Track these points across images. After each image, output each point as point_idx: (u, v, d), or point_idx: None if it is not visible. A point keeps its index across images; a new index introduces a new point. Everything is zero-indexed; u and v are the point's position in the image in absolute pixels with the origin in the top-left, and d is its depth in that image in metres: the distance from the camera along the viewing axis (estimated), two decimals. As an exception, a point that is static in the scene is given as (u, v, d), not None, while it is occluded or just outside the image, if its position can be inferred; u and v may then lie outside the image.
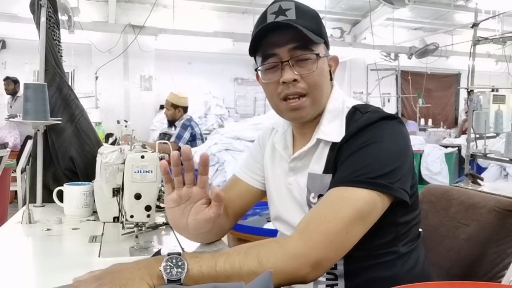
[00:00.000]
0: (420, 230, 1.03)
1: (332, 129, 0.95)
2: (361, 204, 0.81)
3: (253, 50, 0.97)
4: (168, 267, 0.73)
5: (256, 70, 0.99)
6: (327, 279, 0.95)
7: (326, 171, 0.94)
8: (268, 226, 2.02)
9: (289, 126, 1.07)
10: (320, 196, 0.94)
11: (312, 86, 0.93)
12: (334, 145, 0.94)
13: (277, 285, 0.77)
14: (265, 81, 0.97)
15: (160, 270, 0.72)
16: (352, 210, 0.81)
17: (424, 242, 1.06)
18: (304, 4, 0.96)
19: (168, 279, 0.72)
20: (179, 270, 0.73)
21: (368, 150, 0.87)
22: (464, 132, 7.08)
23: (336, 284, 0.94)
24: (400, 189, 0.85)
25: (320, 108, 0.98)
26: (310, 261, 0.77)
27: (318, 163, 0.96)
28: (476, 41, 3.69)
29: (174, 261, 0.74)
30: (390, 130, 0.90)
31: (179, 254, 0.75)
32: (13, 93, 5.66)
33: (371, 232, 0.85)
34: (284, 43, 0.92)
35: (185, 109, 4.16)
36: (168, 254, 0.75)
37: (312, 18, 0.95)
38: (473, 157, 3.81)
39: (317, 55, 0.93)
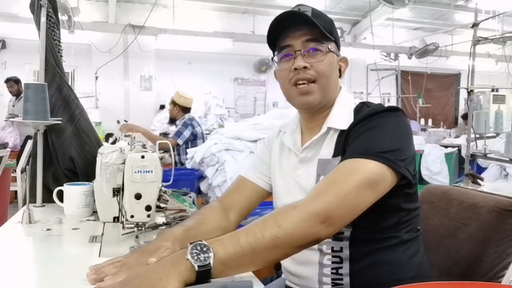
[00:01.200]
0: (419, 227, 1.05)
1: (341, 119, 1.03)
2: (371, 173, 0.87)
3: (272, 44, 1.08)
4: (195, 254, 0.74)
5: (272, 59, 1.09)
6: (332, 263, 0.98)
7: (334, 155, 1.00)
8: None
9: (298, 126, 1.14)
10: None
11: (321, 74, 1.02)
12: (342, 132, 1.01)
13: (294, 248, 0.81)
14: (279, 68, 1.07)
15: (188, 259, 0.73)
16: (362, 177, 0.86)
17: (424, 241, 1.07)
18: (320, 11, 1.06)
19: (198, 266, 0.72)
20: (206, 255, 0.74)
21: (375, 131, 0.94)
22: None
23: (341, 267, 0.98)
24: (405, 168, 0.91)
25: (328, 98, 1.06)
26: (321, 217, 0.81)
27: (327, 149, 1.03)
28: (476, 41, 3.68)
29: (198, 248, 0.75)
30: (396, 118, 0.97)
31: (200, 241, 0.76)
32: (17, 93, 5.65)
33: (376, 214, 0.91)
34: (299, 36, 1.03)
35: (183, 109, 4.20)
36: (191, 243, 0.76)
37: (326, 20, 1.05)
38: (473, 157, 3.80)
39: (327, 47, 1.03)
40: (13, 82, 5.63)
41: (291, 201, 1.06)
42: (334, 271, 0.98)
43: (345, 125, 1.01)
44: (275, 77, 1.12)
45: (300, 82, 1.03)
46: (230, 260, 0.75)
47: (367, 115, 0.98)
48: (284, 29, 1.04)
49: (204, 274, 0.73)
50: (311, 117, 1.09)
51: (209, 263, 0.73)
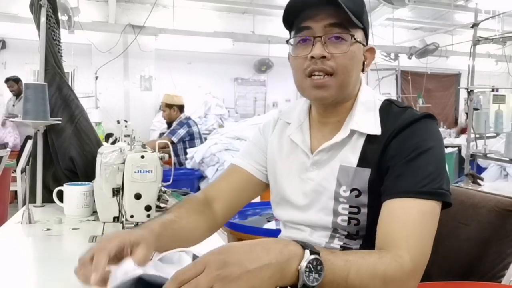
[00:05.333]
0: None
1: (367, 121, 0.92)
2: (436, 217, 0.83)
3: (289, 22, 0.93)
4: (308, 270, 0.64)
5: (287, 42, 0.94)
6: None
7: (361, 164, 0.91)
8: (268, 226, 2.02)
9: (305, 118, 1.03)
10: (353, 190, 0.91)
11: (341, 68, 0.89)
12: (370, 138, 0.91)
13: None
14: (293, 54, 0.92)
15: (298, 270, 0.64)
16: (433, 227, 0.83)
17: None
18: None
19: (303, 285, 0.64)
20: (317, 276, 0.65)
21: (425, 159, 0.86)
22: (462, 132, 7.09)
23: None
24: (450, 195, 0.86)
25: (345, 94, 0.93)
26: (418, 278, 0.79)
27: (352, 155, 0.92)
28: (476, 41, 3.69)
29: (314, 263, 0.65)
30: (436, 132, 0.90)
31: (318, 253, 0.66)
32: (18, 93, 5.63)
33: None
34: (321, 18, 0.87)
35: (180, 108, 4.15)
36: (311, 252, 0.65)
37: (357, 3, 0.90)
38: (473, 157, 3.81)
39: (353, 36, 0.89)
40: (12, 82, 5.62)
41: (303, 204, 0.97)
42: None
43: (372, 129, 0.91)
44: (288, 61, 0.96)
45: (316, 73, 0.89)
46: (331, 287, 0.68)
47: (406, 123, 0.88)
48: (305, 7, 0.88)
49: None
50: (324, 110, 0.97)
51: (314, 286, 0.64)
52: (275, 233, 1.88)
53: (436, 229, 0.84)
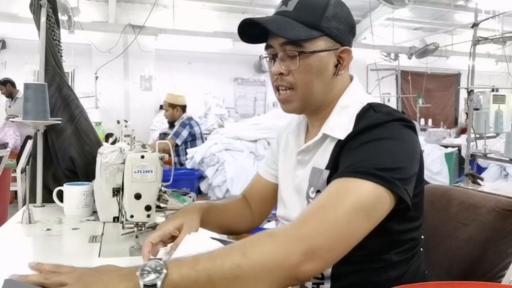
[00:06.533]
0: (417, 246, 0.97)
1: (340, 125, 0.92)
2: (365, 196, 0.76)
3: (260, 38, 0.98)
4: (146, 272, 0.68)
5: (260, 58, 1.01)
6: (313, 278, 0.92)
7: (327, 166, 0.93)
8: (268, 226, 2.02)
9: (304, 120, 1.07)
10: (318, 191, 0.94)
11: (298, 82, 0.92)
12: (339, 142, 0.91)
13: (266, 284, 0.69)
14: (266, 70, 1.00)
15: (137, 275, 0.68)
16: (354, 200, 0.75)
17: (424, 242, 1.04)
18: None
19: (144, 285, 0.67)
20: (156, 275, 0.67)
21: (374, 145, 0.82)
22: (462, 132, 7.09)
23: (322, 283, 0.92)
24: (403, 189, 0.79)
25: (315, 102, 0.95)
26: (302, 248, 0.70)
27: (322, 158, 0.95)
28: (476, 41, 3.69)
29: (153, 265, 0.68)
30: (400, 132, 0.86)
31: (159, 259, 0.73)
32: (8, 95, 5.65)
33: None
34: (277, 36, 0.91)
35: (183, 108, 4.15)
36: (149, 259, 0.76)
37: (312, 11, 0.91)
38: (473, 157, 3.81)
39: (300, 52, 0.90)
40: (0, 85, 5.63)
41: (289, 200, 1.05)
42: (315, 286, 0.93)
43: (342, 133, 0.90)
44: None
45: (279, 88, 0.95)
46: (182, 282, 0.68)
47: (368, 126, 0.85)
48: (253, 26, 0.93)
49: None
50: (309, 117, 1.03)
51: (156, 284, 0.66)
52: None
53: (373, 212, 0.76)
